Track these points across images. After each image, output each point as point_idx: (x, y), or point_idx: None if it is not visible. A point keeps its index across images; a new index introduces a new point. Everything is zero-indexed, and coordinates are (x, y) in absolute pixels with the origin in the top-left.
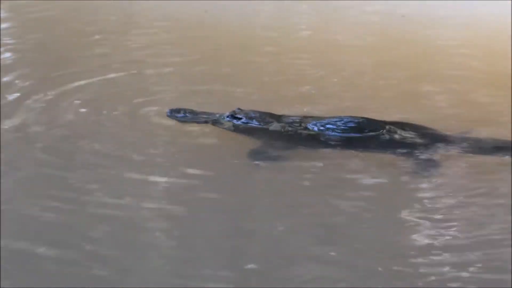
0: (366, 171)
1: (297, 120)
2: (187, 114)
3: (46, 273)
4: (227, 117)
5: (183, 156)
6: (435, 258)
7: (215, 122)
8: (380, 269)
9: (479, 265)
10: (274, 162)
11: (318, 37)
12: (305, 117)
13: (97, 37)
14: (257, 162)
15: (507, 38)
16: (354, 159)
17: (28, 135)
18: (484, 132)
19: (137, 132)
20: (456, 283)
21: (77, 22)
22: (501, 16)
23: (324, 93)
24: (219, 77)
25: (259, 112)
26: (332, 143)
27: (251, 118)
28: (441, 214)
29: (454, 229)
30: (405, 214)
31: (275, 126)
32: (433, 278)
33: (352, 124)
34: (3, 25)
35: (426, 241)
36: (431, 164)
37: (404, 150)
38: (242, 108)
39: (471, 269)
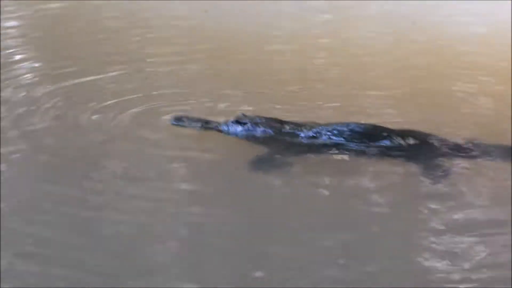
0: (373, 178)
1: (303, 126)
2: (191, 121)
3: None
4: (232, 122)
5: (189, 165)
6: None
7: (220, 128)
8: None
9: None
10: (280, 169)
11: (335, 37)
12: (311, 123)
13: (100, 36)
14: (261, 170)
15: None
16: (361, 166)
17: (35, 140)
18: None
19: (145, 139)
20: None
21: (81, 21)
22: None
23: (339, 95)
24: (232, 78)
25: (264, 117)
26: (339, 149)
27: (256, 124)
28: (457, 224)
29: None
30: (421, 226)
31: (280, 132)
32: None
33: (358, 130)
34: (10, 23)
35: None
36: (441, 171)
37: (412, 157)
38: (246, 113)
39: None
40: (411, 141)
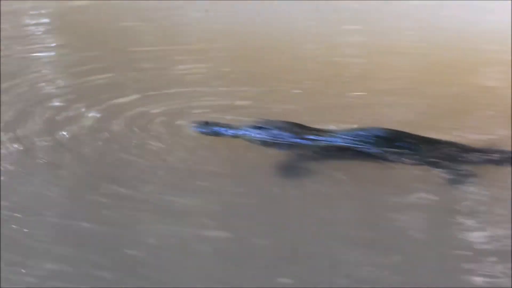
0: (400, 184)
1: (324, 131)
2: (212, 127)
3: None
4: (252, 128)
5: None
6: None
7: (242, 134)
8: None
9: None
10: (303, 175)
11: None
12: (333, 128)
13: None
14: (287, 177)
15: None
16: (385, 172)
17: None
18: None
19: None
20: None
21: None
22: None
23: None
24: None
25: (284, 122)
26: (361, 155)
27: (276, 129)
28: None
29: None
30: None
31: (301, 137)
32: None
33: (380, 135)
34: (41, 28)
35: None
36: (463, 175)
37: (434, 162)
38: (267, 118)
39: None
40: (434, 147)
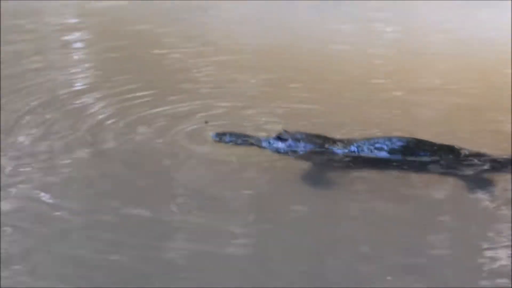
0: (421, 192)
1: (344, 141)
2: (233, 137)
3: None
4: (273, 139)
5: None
6: None
7: (262, 144)
8: None
9: None
10: (326, 186)
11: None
12: (353, 138)
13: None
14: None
15: None
16: (407, 181)
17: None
18: None
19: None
20: None
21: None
22: None
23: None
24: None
25: (305, 133)
26: (381, 164)
27: (297, 140)
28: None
29: None
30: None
31: (321, 147)
32: None
33: (400, 144)
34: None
35: None
36: (485, 184)
37: (454, 171)
38: (288, 130)
39: None
40: (454, 155)
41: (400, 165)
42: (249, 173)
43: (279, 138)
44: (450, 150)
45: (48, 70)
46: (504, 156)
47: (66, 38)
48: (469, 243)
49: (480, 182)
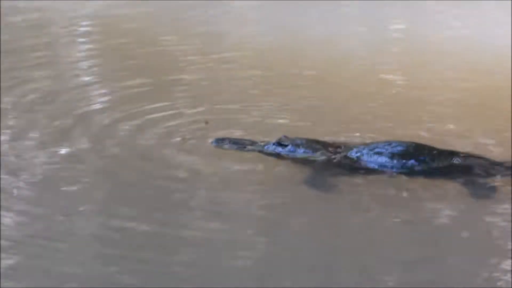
0: (419, 198)
1: (344, 146)
2: (233, 143)
3: None
4: (273, 144)
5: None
6: None
7: (262, 150)
8: None
9: None
10: (326, 191)
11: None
12: (353, 143)
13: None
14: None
15: None
16: (406, 185)
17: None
18: None
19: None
20: None
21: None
22: None
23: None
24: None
25: (305, 139)
26: (381, 168)
27: (297, 146)
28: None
29: None
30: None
31: (321, 153)
32: None
33: (400, 148)
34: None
35: None
36: (487, 189)
37: (455, 176)
38: (288, 135)
39: None
40: (456, 160)
41: (400, 170)
42: (252, 183)
43: (279, 143)
44: (451, 154)
45: (51, 67)
46: (507, 160)
47: (69, 37)
48: (474, 252)
49: (482, 187)
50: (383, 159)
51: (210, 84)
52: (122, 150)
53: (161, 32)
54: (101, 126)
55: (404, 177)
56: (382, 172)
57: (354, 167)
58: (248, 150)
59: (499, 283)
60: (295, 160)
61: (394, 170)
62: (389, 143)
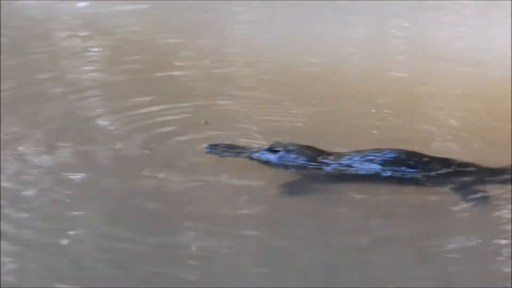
0: (410, 204)
1: (335, 153)
2: (226, 149)
3: None
4: (265, 150)
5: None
6: None
7: (254, 155)
8: None
9: None
10: (311, 196)
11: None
12: (345, 151)
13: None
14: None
15: None
16: (397, 192)
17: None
18: None
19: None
20: None
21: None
22: None
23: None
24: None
25: (297, 145)
26: (372, 176)
27: (288, 152)
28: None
29: None
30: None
31: (312, 159)
32: None
33: (392, 155)
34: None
35: None
36: (480, 196)
37: (446, 183)
38: (280, 141)
39: None
40: (447, 167)
41: (392, 178)
42: (249, 193)
43: (271, 149)
44: (442, 161)
45: (59, 84)
46: (498, 167)
47: (76, 49)
48: (473, 258)
49: (475, 194)
50: (374, 166)
51: (208, 85)
52: (119, 164)
53: (161, 32)
54: (99, 130)
55: (395, 184)
56: (373, 180)
57: (345, 174)
58: (241, 157)
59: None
60: (286, 167)
61: (385, 177)
62: (380, 150)
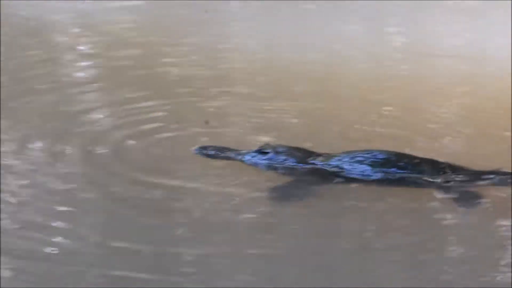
0: (397, 207)
1: (325, 155)
2: (216, 151)
3: None
4: (255, 152)
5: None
6: None
7: (243, 158)
8: None
9: None
10: (302, 199)
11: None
12: (334, 152)
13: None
14: (283, 200)
15: None
16: (385, 194)
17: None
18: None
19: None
20: None
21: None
22: None
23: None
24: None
25: (287, 146)
26: (362, 177)
27: (278, 153)
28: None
29: None
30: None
31: (302, 161)
32: None
33: (381, 157)
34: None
35: None
36: (470, 198)
37: (436, 184)
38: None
39: None
40: (438, 169)
41: (381, 179)
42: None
43: (261, 151)
44: (433, 163)
45: (47, 80)
46: (488, 170)
47: (71, 48)
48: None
49: (465, 195)
50: (363, 168)
51: (202, 82)
52: (117, 163)
53: (161, 31)
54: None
55: (385, 186)
56: (363, 181)
57: (335, 175)
58: (231, 159)
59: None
60: (275, 169)
61: (375, 178)
62: (369, 151)
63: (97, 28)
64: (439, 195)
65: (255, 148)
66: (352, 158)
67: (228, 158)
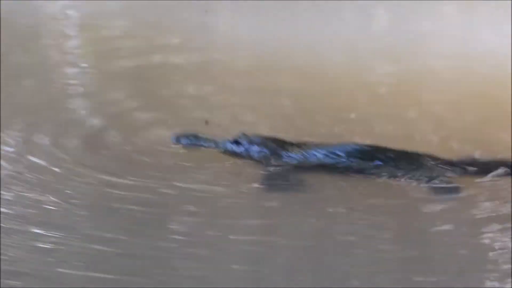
0: (377, 197)
1: (301, 146)
2: (192, 139)
3: None
4: (230, 142)
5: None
6: None
7: (220, 147)
8: None
9: None
10: (280, 190)
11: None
12: (311, 143)
13: None
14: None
15: None
16: (361, 186)
17: None
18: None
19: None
20: None
21: None
22: None
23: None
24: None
25: (262, 137)
26: (337, 169)
27: (252, 143)
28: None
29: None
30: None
31: (277, 152)
32: None
33: (358, 149)
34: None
35: None
36: (448, 188)
37: (413, 176)
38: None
39: None
40: (413, 160)
41: (357, 171)
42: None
43: (235, 141)
44: (409, 156)
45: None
46: (465, 160)
47: (64, 49)
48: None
49: (444, 188)
50: (339, 160)
51: (195, 79)
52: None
53: (160, 31)
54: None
55: (360, 178)
56: (340, 173)
57: (310, 167)
58: (207, 147)
59: None
60: (250, 158)
61: (352, 170)
62: (347, 144)
63: (93, 29)
64: (422, 188)
65: (232, 138)
66: (328, 149)
67: (204, 147)
